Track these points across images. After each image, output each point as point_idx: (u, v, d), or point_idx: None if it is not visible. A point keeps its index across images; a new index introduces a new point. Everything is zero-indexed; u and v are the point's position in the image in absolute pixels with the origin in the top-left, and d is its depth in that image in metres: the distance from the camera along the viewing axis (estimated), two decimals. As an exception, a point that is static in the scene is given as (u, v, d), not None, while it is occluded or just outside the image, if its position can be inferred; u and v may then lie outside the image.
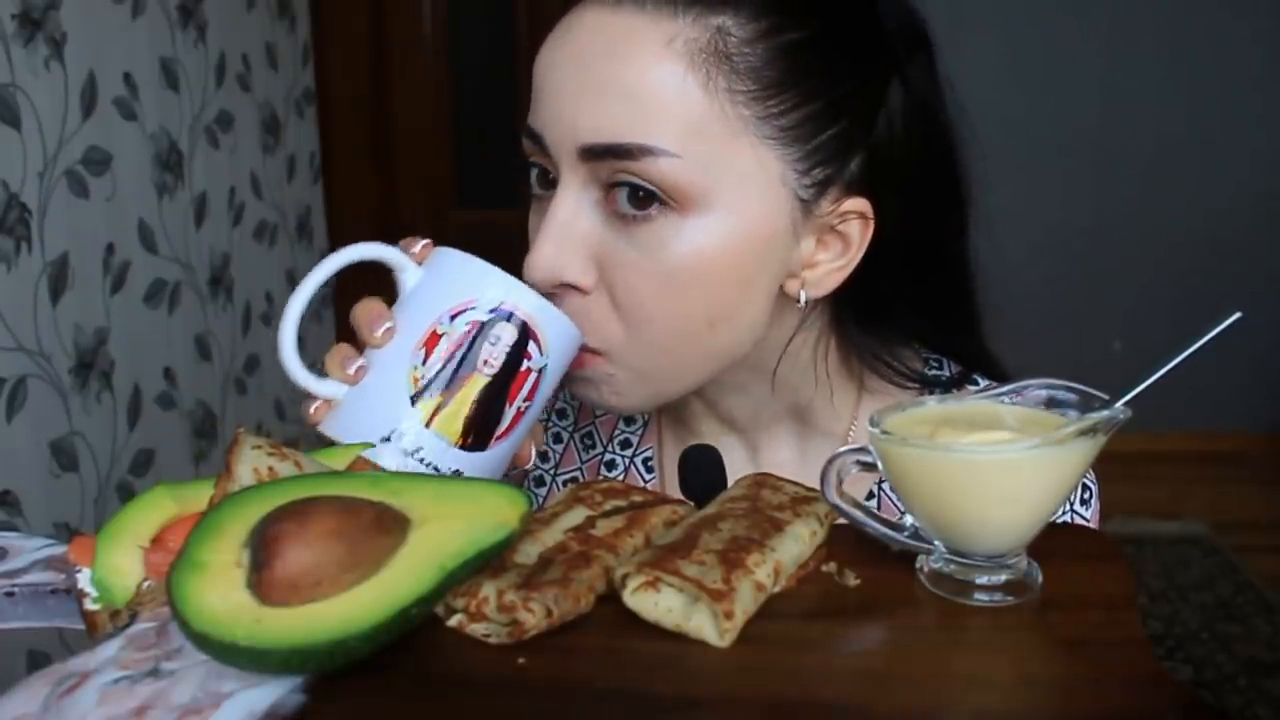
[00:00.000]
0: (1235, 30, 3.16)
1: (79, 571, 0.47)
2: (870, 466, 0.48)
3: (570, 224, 0.59)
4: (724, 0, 0.57)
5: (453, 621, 0.43)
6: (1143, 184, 3.28)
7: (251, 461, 0.48)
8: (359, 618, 0.39)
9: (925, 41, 0.64)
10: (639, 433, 0.77)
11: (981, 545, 0.46)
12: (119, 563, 0.46)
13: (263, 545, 0.40)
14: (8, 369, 1.38)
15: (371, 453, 0.55)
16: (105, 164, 1.60)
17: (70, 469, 1.51)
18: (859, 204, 0.61)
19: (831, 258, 0.62)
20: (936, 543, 0.47)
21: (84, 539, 0.47)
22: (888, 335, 0.69)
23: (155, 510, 0.48)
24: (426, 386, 0.56)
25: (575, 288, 0.60)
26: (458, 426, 0.56)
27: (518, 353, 0.57)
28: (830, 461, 0.48)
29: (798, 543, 0.47)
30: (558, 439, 0.79)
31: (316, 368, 0.59)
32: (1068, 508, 0.68)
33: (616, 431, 0.77)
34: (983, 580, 0.46)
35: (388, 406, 0.56)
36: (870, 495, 0.71)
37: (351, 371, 0.57)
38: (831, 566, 0.48)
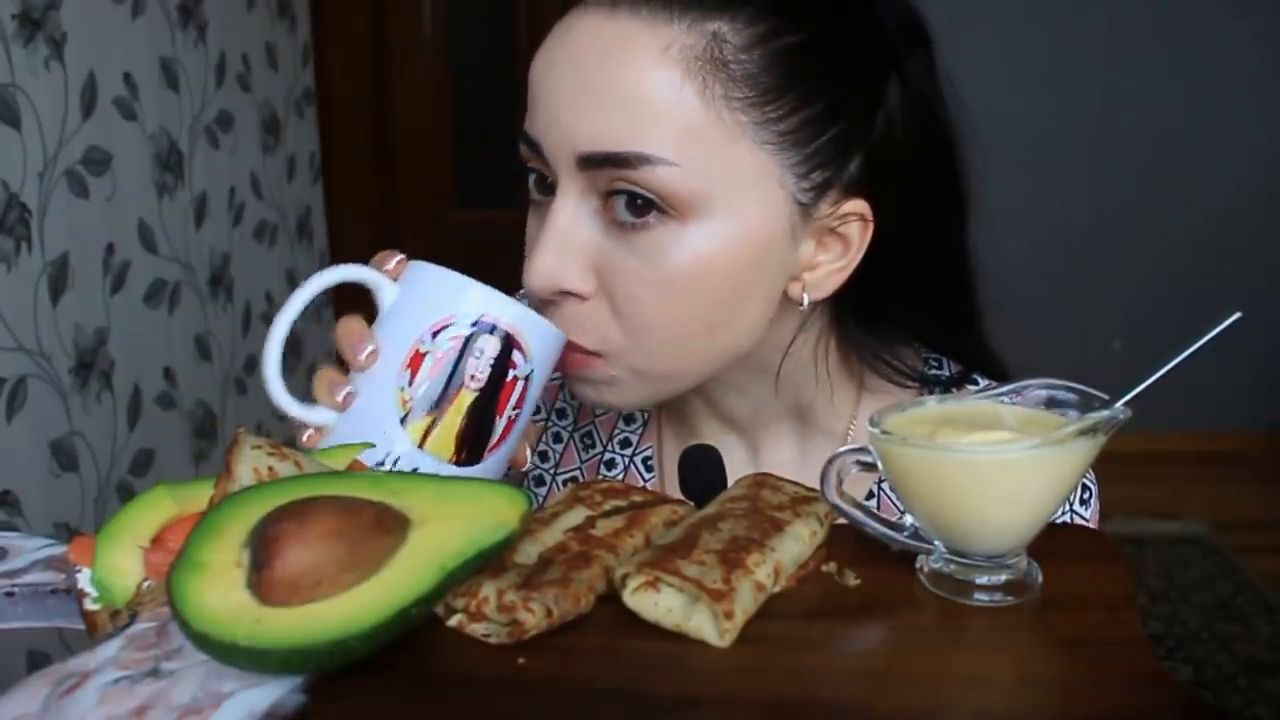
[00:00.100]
0: (1235, 29, 3.16)
1: (79, 571, 0.47)
2: (870, 466, 0.48)
3: (569, 232, 0.59)
4: (720, 6, 0.56)
5: (453, 621, 0.43)
6: (1143, 183, 3.28)
7: (251, 461, 0.48)
8: (359, 618, 0.39)
9: (924, 38, 0.64)
10: (639, 432, 0.77)
11: (981, 545, 0.46)
12: (119, 563, 0.46)
13: (263, 545, 0.40)
14: (8, 369, 1.38)
15: None
16: (105, 164, 1.60)
17: (70, 469, 1.51)
18: (858, 206, 0.61)
19: (831, 259, 0.62)
20: (936, 543, 0.47)
21: (84, 539, 0.47)
22: (888, 334, 0.69)
23: (155, 510, 0.48)
24: (415, 407, 0.56)
25: (574, 294, 0.60)
26: (450, 443, 0.57)
27: (502, 363, 0.57)
28: (830, 461, 0.48)
29: (798, 543, 0.47)
30: (557, 438, 0.79)
31: (307, 379, 0.59)
32: (1067, 507, 0.68)
33: (616, 431, 0.77)
34: (983, 580, 0.46)
35: (379, 431, 0.56)
36: (870, 495, 0.71)
37: (340, 398, 0.57)
38: (831, 566, 0.48)
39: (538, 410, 0.79)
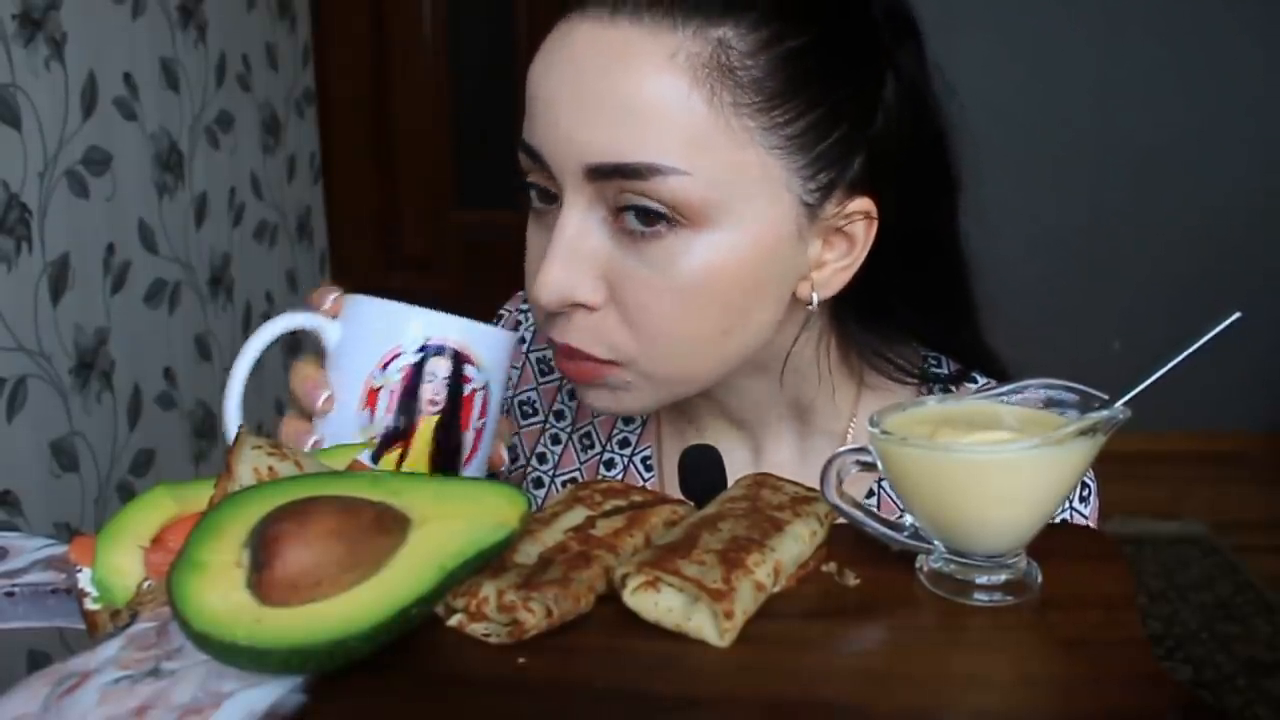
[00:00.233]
0: (1232, 26, 3.16)
1: (79, 571, 0.47)
2: (870, 466, 0.48)
3: (577, 242, 0.59)
4: (724, 11, 0.56)
5: (453, 621, 0.43)
6: (1140, 181, 3.27)
7: (252, 461, 0.48)
8: (359, 618, 0.39)
9: (913, 29, 0.64)
10: (637, 432, 0.77)
11: (981, 545, 0.46)
12: (119, 562, 0.46)
13: (263, 545, 0.40)
14: (8, 369, 1.38)
15: None
16: (105, 164, 1.60)
17: (70, 469, 1.51)
18: (864, 204, 0.61)
19: (837, 257, 0.63)
20: (936, 542, 0.47)
21: (84, 539, 0.47)
22: (887, 332, 0.69)
23: (155, 510, 0.48)
24: (382, 442, 0.57)
25: (584, 306, 0.60)
26: (424, 468, 0.57)
27: (457, 380, 0.57)
28: (830, 461, 0.48)
29: (798, 543, 0.47)
30: (556, 440, 0.79)
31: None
32: (1067, 505, 0.68)
33: (615, 431, 0.77)
34: (982, 580, 0.46)
35: None
36: (870, 494, 0.71)
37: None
38: (831, 566, 0.48)
39: (535, 413, 0.79)
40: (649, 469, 0.76)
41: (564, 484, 0.78)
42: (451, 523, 0.43)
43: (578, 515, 0.49)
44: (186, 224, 1.88)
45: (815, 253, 0.62)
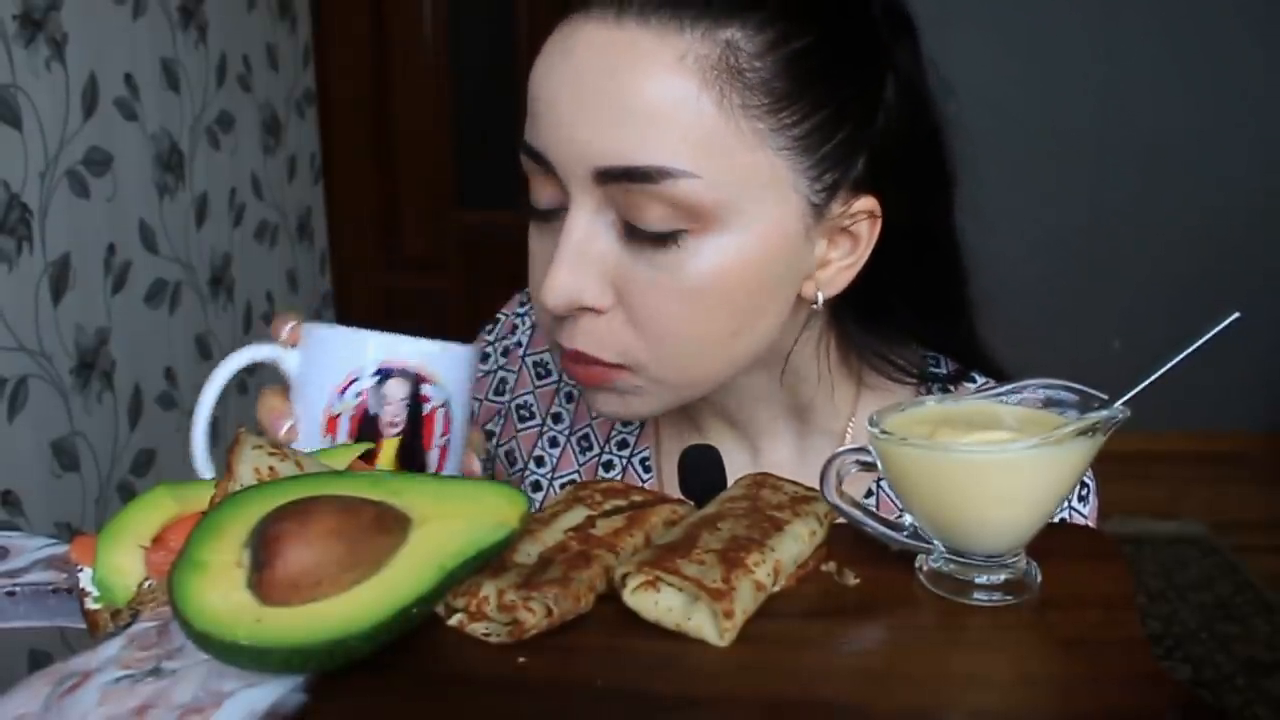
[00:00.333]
0: (1232, 25, 3.16)
1: (80, 571, 0.47)
2: (870, 466, 0.49)
3: (584, 246, 0.58)
4: (730, 13, 0.56)
5: (453, 621, 0.43)
6: (1140, 181, 3.28)
7: (252, 461, 0.48)
8: (359, 617, 0.39)
9: (910, 27, 0.64)
10: (635, 433, 0.77)
11: (981, 545, 0.46)
12: (120, 562, 0.46)
13: (263, 545, 0.40)
14: (9, 369, 1.38)
15: None
16: (106, 164, 1.61)
17: (71, 469, 1.51)
18: (868, 203, 0.61)
19: (842, 255, 0.63)
20: (936, 542, 0.48)
21: (85, 538, 0.47)
22: (886, 332, 0.69)
23: (156, 510, 0.49)
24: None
25: (591, 309, 0.59)
26: None
27: (416, 401, 0.57)
28: (830, 461, 0.49)
29: (797, 542, 0.47)
30: (554, 443, 0.79)
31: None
32: (1066, 505, 0.68)
33: (613, 432, 0.77)
34: (982, 580, 0.46)
35: None
36: (869, 493, 0.71)
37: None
38: (831, 566, 0.48)
39: (532, 416, 0.79)
40: (648, 470, 0.76)
41: (562, 486, 0.77)
42: (451, 522, 0.43)
43: (578, 515, 0.49)
44: (187, 224, 1.88)
45: (820, 252, 0.62)
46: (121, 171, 1.65)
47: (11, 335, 1.39)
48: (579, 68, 0.57)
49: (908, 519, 0.49)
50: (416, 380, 0.57)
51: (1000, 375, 0.72)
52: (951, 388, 0.72)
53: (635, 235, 0.57)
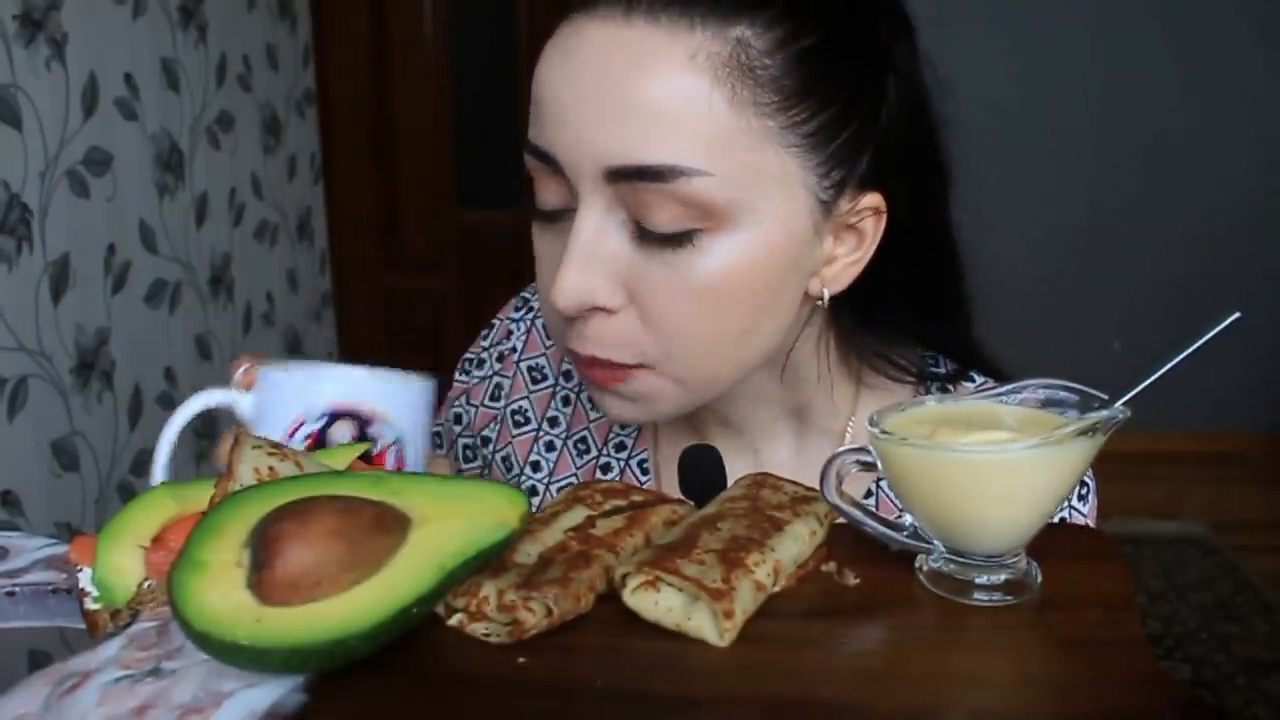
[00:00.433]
0: (1233, 25, 3.16)
1: (80, 571, 0.47)
2: (870, 466, 0.49)
3: (595, 246, 0.58)
4: (740, 11, 0.56)
5: (453, 621, 0.43)
6: (1140, 182, 3.28)
7: (252, 461, 0.48)
8: (359, 617, 0.39)
9: (908, 25, 0.64)
10: (634, 435, 0.77)
11: (981, 545, 0.46)
12: (120, 562, 0.46)
13: (263, 545, 0.40)
14: (9, 369, 1.38)
15: None
16: (106, 164, 1.61)
17: (71, 469, 1.51)
18: (874, 199, 0.61)
19: (847, 252, 0.63)
20: (936, 542, 0.48)
21: (85, 538, 0.48)
22: (885, 331, 0.69)
23: (156, 510, 0.49)
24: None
25: (602, 309, 0.59)
26: None
27: (365, 440, 0.57)
28: (830, 461, 0.49)
29: (797, 542, 0.47)
30: (550, 447, 0.78)
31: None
32: (1065, 504, 0.68)
33: (611, 435, 0.77)
34: (982, 580, 0.46)
35: None
36: (868, 494, 0.71)
37: None
38: (831, 566, 0.48)
39: (527, 422, 0.79)
40: (645, 473, 0.76)
41: (559, 490, 0.77)
42: (451, 522, 0.43)
43: (578, 515, 0.49)
44: (187, 224, 1.88)
45: (827, 248, 0.62)
46: (121, 171, 1.65)
47: (11, 335, 1.39)
48: (589, 67, 0.56)
49: (908, 519, 0.49)
50: (365, 420, 0.57)
51: (999, 375, 0.72)
52: (950, 387, 0.72)
53: (646, 234, 0.57)
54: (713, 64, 0.55)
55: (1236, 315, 0.47)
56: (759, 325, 0.61)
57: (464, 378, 0.82)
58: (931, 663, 0.42)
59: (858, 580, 0.48)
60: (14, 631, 0.49)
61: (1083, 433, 0.45)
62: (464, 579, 0.42)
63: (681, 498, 0.54)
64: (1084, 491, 0.69)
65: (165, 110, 1.79)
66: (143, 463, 1.71)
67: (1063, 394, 0.49)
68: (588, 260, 0.58)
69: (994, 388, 0.51)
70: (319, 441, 0.57)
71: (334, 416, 0.57)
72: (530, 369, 0.80)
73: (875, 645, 0.44)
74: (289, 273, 2.35)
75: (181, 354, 1.86)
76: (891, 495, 0.70)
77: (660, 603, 0.43)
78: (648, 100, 0.55)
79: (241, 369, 0.60)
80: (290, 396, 0.58)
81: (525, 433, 0.79)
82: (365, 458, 0.56)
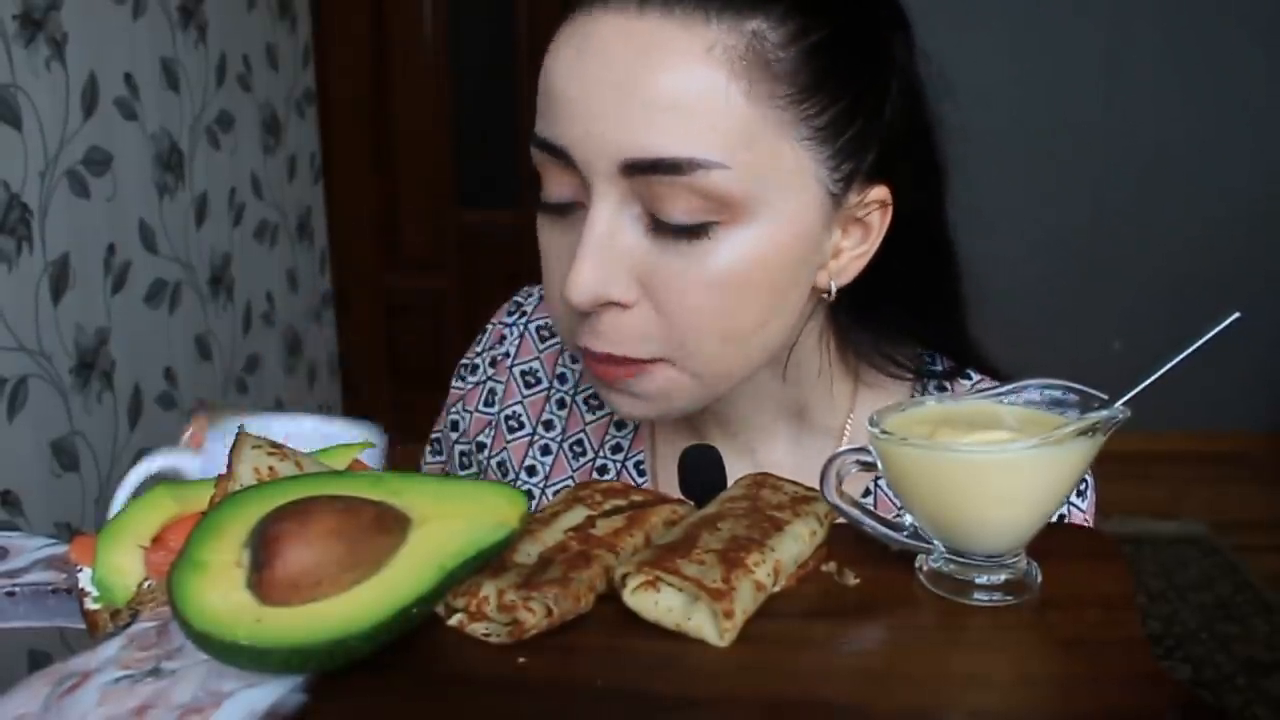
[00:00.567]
0: (1235, 28, 3.16)
1: (80, 571, 0.47)
2: (870, 466, 0.49)
3: (609, 239, 0.58)
4: (753, 5, 0.56)
5: (453, 621, 0.43)
6: (1141, 182, 3.28)
7: (252, 461, 0.48)
8: (359, 617, 0.39)
9: (904, 21, 0.65)
10: (630, 436, 0.76)
11: (981, 545, 0.46)
12: (120, 562, 0.46)
13: (263, 545, 0.40)
14: (9, 369, 1.38)
15: None
16: (106, 164, 1.61)
17: (71, 469, 1.51)
18: (880, 192, 0.62)
19: (854, 245, 0.63)
20: (936, 542, 0.48)
21: (85, 538, 0.48)
22: (883, 328, 0.69)
23: (156, 510, 0.49)
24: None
25: (617, 304, 0.59)
26: None
27: None
28: (830, 461, 0.49)
29: (797, 542, 0.47)
30: (546, 450, 0.78)
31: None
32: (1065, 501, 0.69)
33: (607, 437, 0.77)
34: (982, 580, 0.46)
35: None
36: (866, 492, 0.71)
37: None
38: (831, 566, 0.48)
39: (521, 426, 0.79)
40: (642, 474, 0.76)
41: (555, 494, 0.77)
42: (451, 522, 0.43)
43: (578, 515, 0.49)
44: (187, 224, 1.89)
45: (834, 241, 0.62)
46: (121, 171, 1.65)
47: (11, 335, 1.39)
48: (601, 60, 0.56)
49: (908, 519, 0.49)
50: None
51: (994, 372, 0.72)
52: (947, 384, 0.72)
53: (662, 228, 0.57)
54: (729, 57, 0.55)
55: (1236, 315, 0.47)
56: (773, 318, 0.61)
57: (459, 384, 0.82)
58: (931, 663, 0.42)
59: (858, 580, 0.48)
60: (14, 631, 0.49)
61: (1083, 433, 0.45)
62: (464, 579, 0.42)
63: (681, 498, 0.54)
64: (1083, 488, 0.69)
65: (165, 110, 1.79)
66: (143, 463, 1.71)
67: (1063, 394, 0.49)
68: (602, 254, 0.58)
69: (994, 387, 0.51)
70: None
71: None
72: (524, 373, 0.80)
73: (875, 645, 0.44)
74: (289, 273, 2.35)
75: (181, 354, 1.86)
76: (889, 493, 0.70)
77: (660, 603, 0.43)
78: (665, 93, 0.55)
79: (189, 432, 0.59)
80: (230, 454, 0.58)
81: (520, 437, 0.79)
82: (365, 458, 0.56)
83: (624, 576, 0.44)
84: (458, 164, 3.29)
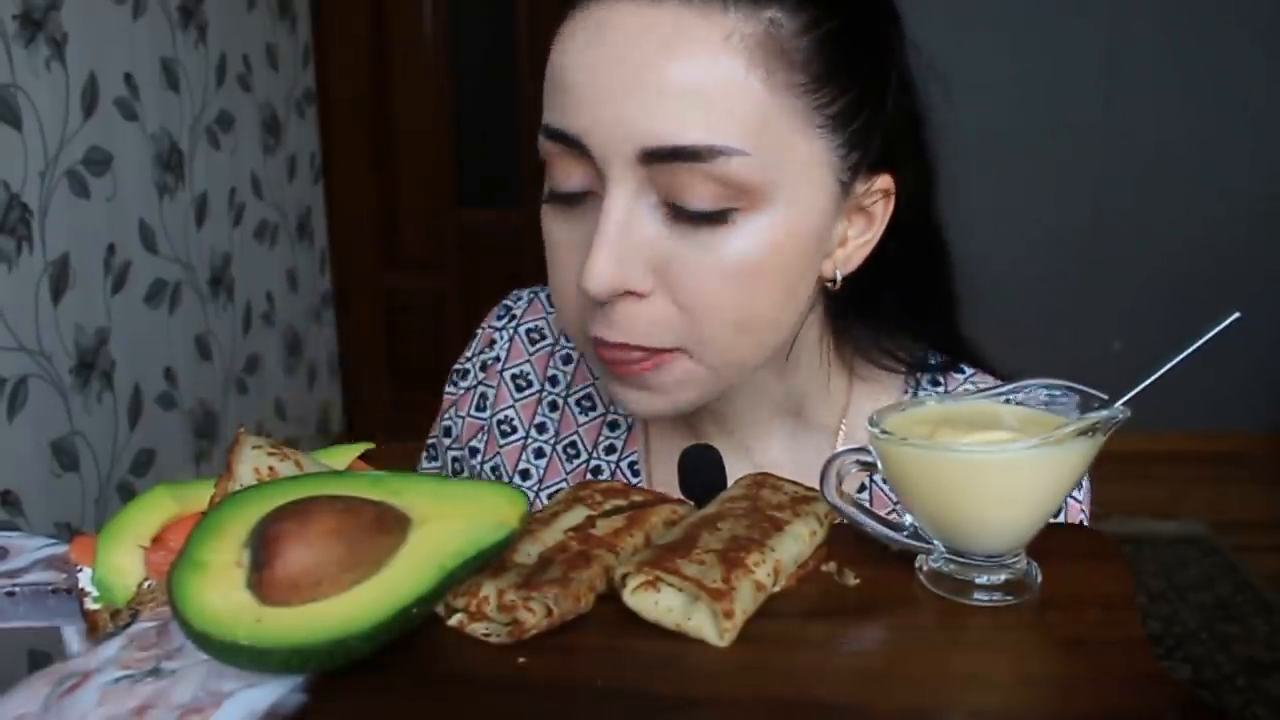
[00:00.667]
0: (1235, 28, 3.16)
1: (80, 571, 0.47)
2: (870, 466, 0.49)
3: (627, 228, 0.57)
4: None
5: (453, 621, 0.43)
6: (1141, 182, 3.28)
7: (252, 461, 0.48)
8: (359, 617, 0.39)
9: (896, 15, 0.65)
10: (623, 437, 0.76)
11: (981, 545, 0.46)
12: (120, 562, 0.46)
13: (263, 545, 0.40)
14: (9, 369, 1.38)
15: None
16: (106, 164, 1.61)
17: (71, 469, 1.51)
18: (885, 181, 0.62)
19: (858, 234, 0.64)
20: (936, 542, 0.48)
21: (85, 538, 0.47)
22: (879, 322, 0.70)
23: (156, 510, 0.48)
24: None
25: (634, 293, 0.59)
26: None
27: None
28: (830, 461, 0.49)
29: (797, 542, 0.47)
30: (539, 453, 0.78)
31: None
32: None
33: (600, 438, 0.77)
34: (982, 580, 0.46)
35: None
36: (862, 488, 0.71)
37: None
38: (831, 566, 0.48)
39: (514, 431, 0.78)
40: (636, 474, 0.75)
41: (549, 497, 0.77)
42: (451, 522, 0.43)
43: (578, 515, 0.49)
44: (187, 224, 1.89)
45: (840, 230, 0.63)
46: (121, 171, 1.65)
47: (11, 335, 1.39)
48: (620, 48, 0.56)
49: (908, 519, 0.49)
50: None
51: (987, 367, 0.73)
52: (941, 377, 0.73)
53: (681, 216, 0.57)
54: (747, 45, 0.56)
55: (1236, 315, 0.47)
56: (785, 306, 0.61)
57: (452, 389, 0.82)
58: (931, 663, 0.42)
59: (858, 580, 0.48)
60: (14, 631, 0.49)
61: (1083, 433, 0.45)
62: (464, 579, 0.42)
63: (681, 498, 0.54)
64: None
65: (165, 110, 1.79)
66: (142, 463, 1.71)
67: (1063, 394, 0.49)
68: (620, 242, 0.57)
69: (994, 387, 0.51)
70: None
71: None
72: (514, 377, 0.79)
73: (875, 645, 0.44)
74: (289, 273, 2.35)
75: (181, 354, 1.86)
76: (886, 489, 0.70)
77: (660, 603, 0.43)
78: (684, 81, 0.55)
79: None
80: None
81: (513, 441, 0.78)
82: (366, 458, 0.56)
83: (624, 576, 0.44)
84: (458, 164, 3.29)
